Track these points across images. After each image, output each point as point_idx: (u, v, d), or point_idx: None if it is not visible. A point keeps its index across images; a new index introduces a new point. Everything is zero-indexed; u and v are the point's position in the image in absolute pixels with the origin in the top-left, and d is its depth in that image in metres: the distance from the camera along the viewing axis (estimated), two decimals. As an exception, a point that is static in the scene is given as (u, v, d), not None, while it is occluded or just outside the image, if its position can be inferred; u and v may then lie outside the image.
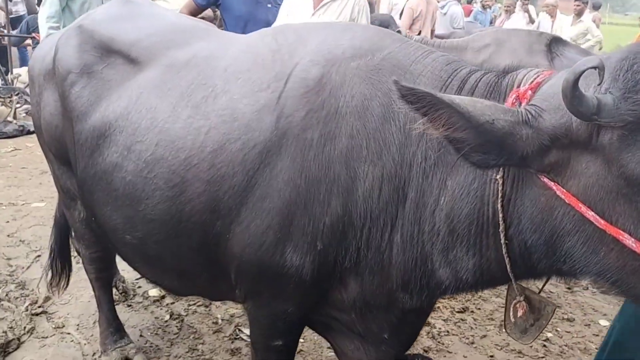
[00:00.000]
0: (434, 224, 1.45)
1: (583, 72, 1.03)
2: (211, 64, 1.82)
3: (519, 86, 1.37)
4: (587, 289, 3.93)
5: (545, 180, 1.19)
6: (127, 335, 2.88)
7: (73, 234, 2.92)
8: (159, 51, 1.97)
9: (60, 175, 2.47)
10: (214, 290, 2.05)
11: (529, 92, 1.28)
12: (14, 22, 9.15)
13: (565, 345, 3.23)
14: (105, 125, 1.93)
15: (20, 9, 9.69)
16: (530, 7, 11.06)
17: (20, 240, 4.02)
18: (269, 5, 4.15)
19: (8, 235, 4.09)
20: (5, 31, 8.21)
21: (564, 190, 1.16)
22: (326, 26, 1.84)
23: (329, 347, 2.79)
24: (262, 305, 1.79)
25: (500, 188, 1.30)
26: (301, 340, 2.93)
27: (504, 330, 2.96)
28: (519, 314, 1.50)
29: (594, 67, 1.04)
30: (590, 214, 1.13)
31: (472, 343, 3.22)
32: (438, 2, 7.63)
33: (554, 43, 2.09)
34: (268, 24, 4.15)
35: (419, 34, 6.84)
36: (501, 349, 3.19)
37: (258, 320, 1.88)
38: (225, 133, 1.66)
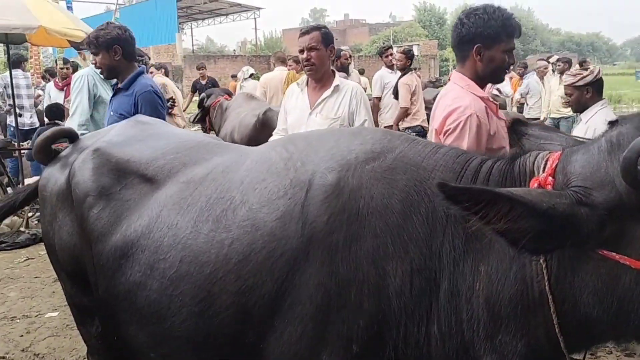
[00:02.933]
0: (472, 311, 1.45)
1: None
2: (227, 177, 1.89)
3: (532, 172, 1.45)
4: (611, 352, 3.81)
5: (605, 252, 1.24)
6: None
7: (87, 348, 2.87)
8: (175, 169, 2.04)
9: (75, 294, 2.46)
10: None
11: (550, 178, 1.36)
12: (29, 133, 9.25)
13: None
14: (127, 245, 1.97)
15: (34, 120, 9.88)
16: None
17: (34, 354, 3.95)
18: (112, 113, 3.97)
19: (22, 350, 4.03)
20: (16, 144, 8.26)
21: (627, 257, 1.22)
22: (334, 133, 1.92)
23: None
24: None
25: (544, 268, 1.34)
26: None
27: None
28: None
29: None
30: None
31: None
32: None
33: (516, 124, 2.19)
34: None
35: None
36: None
37: None
38: (249, 243, 1.69)
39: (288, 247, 1.62)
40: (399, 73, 8.32)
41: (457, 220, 1.48)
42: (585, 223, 1.22)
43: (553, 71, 10.18)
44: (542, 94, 10.42)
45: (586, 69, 4.61)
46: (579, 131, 4.27)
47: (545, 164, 1.41)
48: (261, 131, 5.99)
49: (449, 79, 2.92)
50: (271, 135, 6.04)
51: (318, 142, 1.83)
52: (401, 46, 9.89)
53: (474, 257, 1.45)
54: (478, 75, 2.63)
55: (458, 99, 2.55)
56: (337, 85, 3.66)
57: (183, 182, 1.98)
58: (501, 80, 2.88)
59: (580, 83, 4.37)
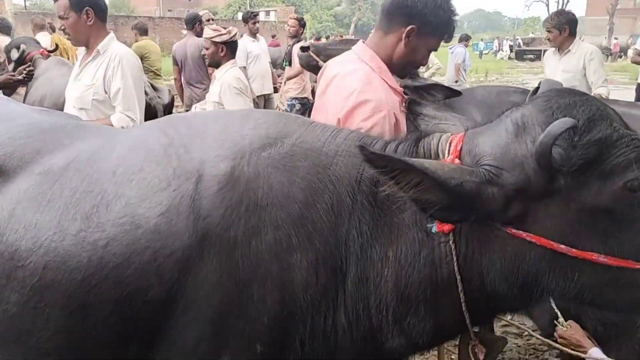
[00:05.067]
0: (381, 297, 1.45)
1: (560, 134, 1.19)
2: (95, 167, 1.63)
3: (437, 154, 1.47)
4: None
5: (512, 230, 1.30)
6: None
7: None
8: (27, 157, 1.72)
9: None
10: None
11: (457, 160, 1.39)
12: None
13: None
14: None
15: None
16: None
17: None
18: None
19: None
20: None
21: (533, 235, 1.29)
22: (221, 115, 1.76)
23: None
24: None
25: (453, 249, 1.37)
26: None
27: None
28: (481, 357, 1.55)
29: (571, 128, 1.20)
30: (562, 247, 1.27)
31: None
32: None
33: (412, 104, 2.18)
34: None
35: None
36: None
37: None
38: (129, 243, 1.49)
39: (178, 245, 1.46)
40: (262, 40, 8.12)
41: (364, 207, 1.45)
42: (490, 201, 1.28)
43: None
44: None
45: (225, 27, 4.87)
46: (214, 87, 4.58)
47: (450, 146, 1.43)
48: None
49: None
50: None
51: (203, 126, 1.67)
52: (263, 10, 9.69)
53: (382, 242, 1.44)
54: (391, 59, 2.21)
55: (369, 87, 2.07)
56: (98, 50, 3.45)
57: (39, 173, 1.68)
58: (403, 76, 2.41)
59: (217, 40, 4.59)
